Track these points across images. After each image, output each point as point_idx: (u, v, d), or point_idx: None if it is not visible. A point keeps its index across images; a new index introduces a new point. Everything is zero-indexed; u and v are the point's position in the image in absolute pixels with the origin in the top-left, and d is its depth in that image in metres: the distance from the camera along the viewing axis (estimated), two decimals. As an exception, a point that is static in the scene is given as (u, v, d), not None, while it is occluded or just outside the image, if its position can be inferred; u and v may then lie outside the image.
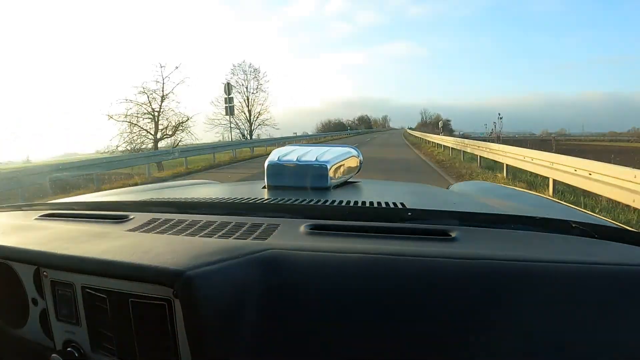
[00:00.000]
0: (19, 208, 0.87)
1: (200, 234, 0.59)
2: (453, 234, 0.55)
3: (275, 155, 1.00)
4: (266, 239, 0.56)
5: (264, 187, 0.97)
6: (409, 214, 0.64)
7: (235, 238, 0.56)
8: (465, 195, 1.13)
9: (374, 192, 1.03)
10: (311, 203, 0.76)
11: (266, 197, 0.84)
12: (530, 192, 1.35)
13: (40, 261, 0.54)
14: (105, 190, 1.38)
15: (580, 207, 0.97)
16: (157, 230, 0.62)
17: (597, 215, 0.91)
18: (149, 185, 1.39)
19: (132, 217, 0.69)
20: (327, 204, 0.76)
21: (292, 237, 0.56)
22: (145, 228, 0.63)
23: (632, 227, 0.76)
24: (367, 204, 0.76)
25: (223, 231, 0.60)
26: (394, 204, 0.76)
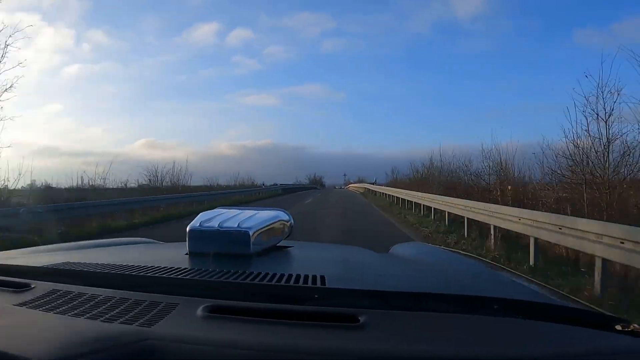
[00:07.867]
0: None
1: (88, 314, 0.57)
2: (361, 319, 0.54)
3: (197, 220, 0.98)
4: (156, 323, 0.54)
5: (187, 254, 0.95)
6: (316, 296, 0.63)
7: (121, 322, 0.55)
8: (399, 262, 1.10)
9: (298, 261, 1.03)
10: (220, 279, 0.73)
11: (182, 267, 0.82)
12: (470, 255, 1.28)
13: None
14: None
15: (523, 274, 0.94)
16: (49, 305, 0.61)
17: (541, 284, 0.88)
18: (82, 243, 1.37)
19: (33, 286, 0.70)
20: (235, 278, 0.72)
21: (185, 322, 0.55)
22: (39, 302, 0.62)
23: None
24: (285, 277, 0.73)
25: (115, 311, 0.59)
26: (314, 277, 0.74)
